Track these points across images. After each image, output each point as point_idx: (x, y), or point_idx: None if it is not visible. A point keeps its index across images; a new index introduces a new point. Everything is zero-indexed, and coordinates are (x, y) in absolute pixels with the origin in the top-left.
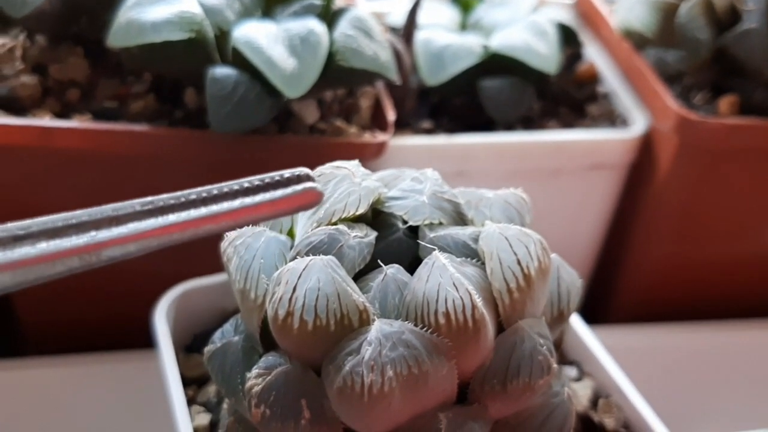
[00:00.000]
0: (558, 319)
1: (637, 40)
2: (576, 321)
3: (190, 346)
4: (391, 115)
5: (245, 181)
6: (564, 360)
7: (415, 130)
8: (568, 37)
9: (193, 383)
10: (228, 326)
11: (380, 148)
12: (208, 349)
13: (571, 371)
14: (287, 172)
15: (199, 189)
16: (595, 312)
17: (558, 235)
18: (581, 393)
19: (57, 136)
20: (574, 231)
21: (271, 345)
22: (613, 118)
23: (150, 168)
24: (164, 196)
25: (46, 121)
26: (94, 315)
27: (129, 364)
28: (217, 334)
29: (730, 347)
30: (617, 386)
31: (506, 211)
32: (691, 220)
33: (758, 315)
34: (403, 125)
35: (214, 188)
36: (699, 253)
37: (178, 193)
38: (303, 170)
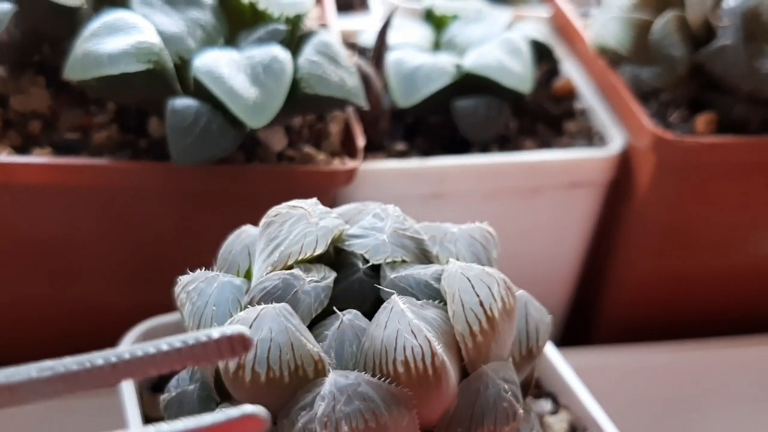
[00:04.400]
0: (527, 358)
1: (612, 57)
2: (552, 352)
3: (155, 385)
4: (360, 142)
5: (164, 343)
6: (540, 392)
7: (389, 152)
8: (543, 53)
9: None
10: (184, 374)
11: (350, 175)
12: (164, 397)
13: (547, 405)
14: (216, 332)
15: (109, 352)
16: (579, 331)
17: (538, 254)
18: (557, 426)
19: (16, 172)
20: (554, 250)
21: (227, 394)
22: (590, 135)
23: (114, 201)
24: (67, 360)
25: (5, 157)
26: (65, 350)
27: (95, 399)
28: (173, 382)
29: (713, 366)
30: (593, 419)
31: (472, 247)
32: (671, 236)
33: (741, 331)
34: (377, 147)
35: (125, 352)
36: (680, 269)
37: (83, 357)
38: (236, 330)
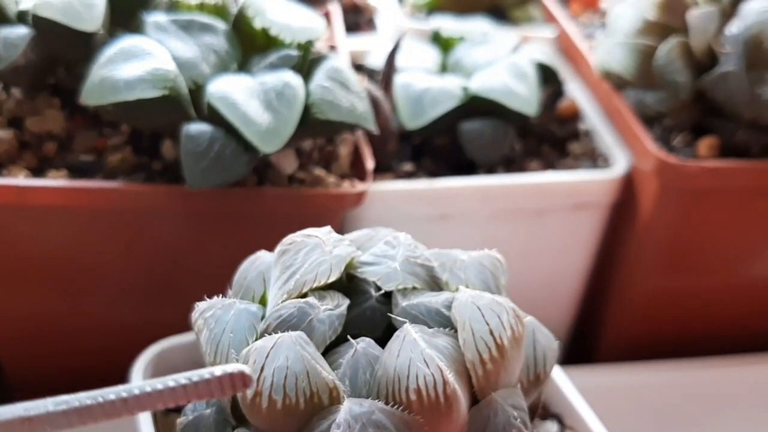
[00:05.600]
0: (534, 383)
1: (617, 82)
2: (557, 373)
3: None
4: (369, 164)
5: (171, 380)
6: (545, 413)
7: (397, 174)
8: (548, 76)
9: None
10: None
11: (359, 197)
12: (180, 421)
13: (552, 426)
14: (218, 370)
15: (120, 388)
16: (582, 350)
17: (543, 274)
18: None
19: (32, 194)
20: (558, 270)
21: (243, 418)
22: (594, 157)
23: (128, 222)
24: (82, 395)
25: (20, 180)
26: (79, 366)
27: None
28: (190, 406)
29: (716, 384)
30: None
31: (481, 274)
32: (674, 257)
33: (744, 349)
34: (384, 168)
35: (135, 387)
36: (683, 289)
37: (96, 392)
38: (237, 368)
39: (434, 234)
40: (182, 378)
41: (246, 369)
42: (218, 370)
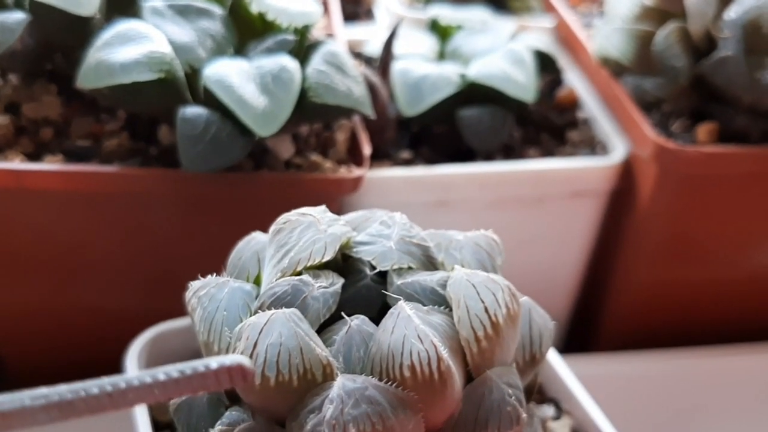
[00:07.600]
0: (530, 364)
1: (615, 68)
2: (554, 358)
3: None
4: (366, 150)
5: (161, 372)
6: (542, 398)
7: (394, 161)
8: (546, 64)
9: (166, 428)
10: None
11: (356, 183)
12: (174, 401)
13: (549, 410)
14: (214, 362)
15: (105, 380)
16: (581, 339)
17: (541, 262)
18: None
19: (28, 178)
20: (557, 258)
21: (237, 398)
22: (593, 144)
23: (124, 207)
24: (62, 388)
25: (17, 164)
26: (76, 351)
27: None
28: None
29: (714, 373)
30: (595, 424)
31: (476, 254)
32: (673, 244)
33: (743, 339)
34: (382, 155)
35: (121, 380)
36: (682, 277)
37: (79, 385)
38: (235, 360)
39: (432, 221)
40: (174, 371)
41: (245, 361)
42: (214, 363)
